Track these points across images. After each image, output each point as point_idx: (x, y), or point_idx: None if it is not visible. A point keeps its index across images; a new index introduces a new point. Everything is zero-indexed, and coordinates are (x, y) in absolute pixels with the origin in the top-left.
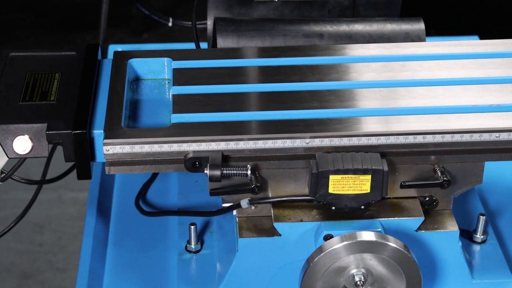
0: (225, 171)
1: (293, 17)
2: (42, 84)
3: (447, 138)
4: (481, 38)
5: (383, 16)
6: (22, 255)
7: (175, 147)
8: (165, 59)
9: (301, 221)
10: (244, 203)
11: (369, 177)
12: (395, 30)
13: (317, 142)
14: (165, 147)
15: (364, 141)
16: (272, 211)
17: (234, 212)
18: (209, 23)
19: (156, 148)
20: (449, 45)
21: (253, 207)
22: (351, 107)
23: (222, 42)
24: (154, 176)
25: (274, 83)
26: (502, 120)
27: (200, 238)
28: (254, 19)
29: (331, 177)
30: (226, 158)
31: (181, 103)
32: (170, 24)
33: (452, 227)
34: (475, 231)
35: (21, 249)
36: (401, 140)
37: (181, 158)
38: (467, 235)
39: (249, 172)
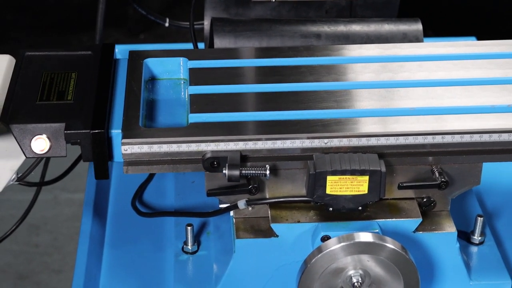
0: (244, 171)
1: (290, 17)
2: (58, 84)
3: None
4: (478, 39)
5: (380, 16)
6: (17, 256)
7: (193, 147)
8: (181, 58)
9: (299, 222)
10: (241, 204)
11: (366, 178)
12: (392, 30)
13: (335, 142)
14: (184, 147)
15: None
16: (269, 212)
17: (231, 213)
18: (206, 23)
19: (174, 148)
20: (460, 45)
21: (250, 208)
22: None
23: (219, 43)
24: (151, 176)
25: (290, 83)
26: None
27: (196, 239)
28: (251, 19)
29: (329, 178)
30: (244, 158)
31: (198, 103)
32: (166, 24)
33: (450, 229)
34: (472, 232)
35: (17, 250)
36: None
37: (199, 158)
38: (464, 237)
39: (267, 172)
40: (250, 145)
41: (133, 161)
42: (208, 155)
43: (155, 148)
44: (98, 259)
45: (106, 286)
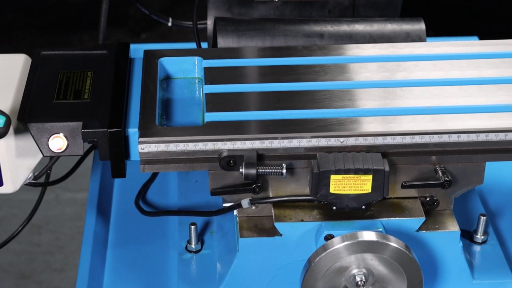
0: (260, 170)
1: (293, 17)
2: (75, 83)
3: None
4: (480, 38)
5: (383, 16)
6: (19, 256)
7: (210, 146)
8: (196, 58)
9: (302, 221)
10: (244, 203)
11: (370, 177)
12: (395, 30)
13: (351, 141)
14: (200, 146)
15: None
16: (272, 211)
17: (235, 212)
18: (209, 23)
19: (191, 146)
20: (475, 44)
21: (253, 207)
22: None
23: (223, 42)
24: (154, 175)
25: (305, 82)
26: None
27: (200, 238)
28: (255, 19)
29: (332, 177)
30: (260, 157)
31: (214, 102)
32: (169, 24)
33: (453, 228)
34: (475, 231)
35: (19, 250)
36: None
37: (215, 156)
38: (467, 236)
39: (284, 171)
40: (267, 144)
41: (149, 160)
42: (225, 154)
43: (172, 147)
44: (101, 258)
45: (110, 285)
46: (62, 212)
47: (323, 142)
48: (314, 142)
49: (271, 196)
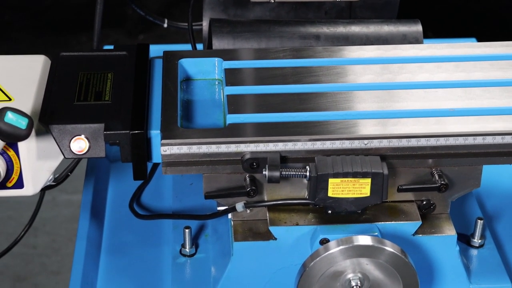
0: (284, 172)
1: (289, 18)
2: (95, 84)
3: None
4: (478, 40)
5: (380, 18)
6: (15, 258)
7: (232, 148)
8: (216, 59)
9: (297, 224)
10: (239, 206)
11: (369, 180)
12: (392, 32)
13: (375, 143)
14: (223, 148)
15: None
16: (267, 215)
17: (229, 215)
18: (205, 24)
19: (213, 148)
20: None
21: (248, 211)
22: (397, 108)
23: (218, 44)
24: (149, 178)
25: (327, 83)
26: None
27: (194, 242)
28: (250, 20)
29: (331, 180)
30: (283, 159)
31: (236, 104)
32: (165, 25)
33: (450, 232)
34: (472, 235)
35: (15, 252)
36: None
37: (238, 159)
38: (464, 239)
39: (308, 173)
40: (290, 146)
41: (172, 162)
42: (248, 156)
43: (194, 149)
44: (95, 262)
45: None
46: (58, 214)
47: (347, 144)
48: (337, 145)
49: (266, 199)
